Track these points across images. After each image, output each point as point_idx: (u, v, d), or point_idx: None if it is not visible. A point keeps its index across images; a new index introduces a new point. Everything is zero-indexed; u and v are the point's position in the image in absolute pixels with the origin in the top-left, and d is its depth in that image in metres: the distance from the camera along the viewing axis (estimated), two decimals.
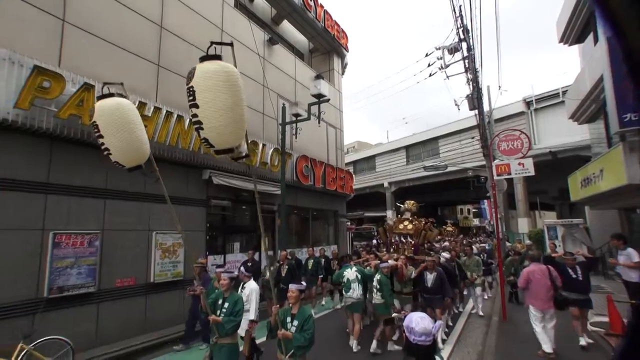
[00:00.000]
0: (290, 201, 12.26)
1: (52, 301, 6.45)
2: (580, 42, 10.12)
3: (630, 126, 6.96)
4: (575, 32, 10.12)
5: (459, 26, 15.88)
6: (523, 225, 20.70)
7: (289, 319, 4.06)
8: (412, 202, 10.31)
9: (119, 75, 7.71)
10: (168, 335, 7.78)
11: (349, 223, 21.43)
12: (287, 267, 8.93)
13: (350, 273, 7.09)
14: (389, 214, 30.48)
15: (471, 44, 16.46)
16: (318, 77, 16.00)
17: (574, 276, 6.56)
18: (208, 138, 3.15)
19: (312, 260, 10.41)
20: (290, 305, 4.16)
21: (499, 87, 21.18)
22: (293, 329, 3.96)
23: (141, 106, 7.71)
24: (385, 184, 32.36)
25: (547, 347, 5.98)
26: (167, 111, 8.33)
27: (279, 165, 11.37)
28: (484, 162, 16.16)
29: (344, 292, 7.10)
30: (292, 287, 4.19)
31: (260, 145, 11.24)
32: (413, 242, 8.82)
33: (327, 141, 16.67)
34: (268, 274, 7.64)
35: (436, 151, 29.03)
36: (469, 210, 46.86)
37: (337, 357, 6.50)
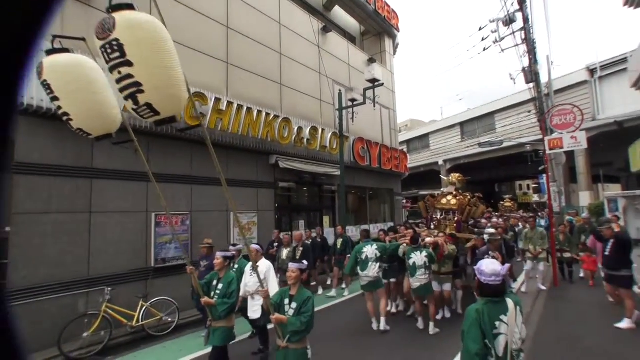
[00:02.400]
0: (349, 181, 13.11)
1: (158, 270, 7.83)
2: None
3: None
4: None
5: None
6: (585, 198, 20.08)
7: (286, 301, 3.69)
8: (457, 175, 9.53)
9: (196, 75, 8.93)
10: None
11: (404, 201, 21.97)
12: (302, 248, 8.42)
13: (370, 250, 6.65)
14: (450, 189, 30.39)
15: (527, 13, 16.17)
16: (371, 60, 16.56)
17: (605, 251, 6.47)
18: (151, 103, 2.67)
19: (342, 239, 9.83)
20: (290, 285, 3.77)
21: (551, 62, 20.27)
22: (291, 312, 3.60)
23: (217, 102, 8.85)
24: (440, 162, 32.20)
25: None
26: (237, 104, 9.40)
27: (337, 148, 12.23)
28: (541, 136, 15.96)
29: (359, 271, 6.66)
30: (292, 266, 3.78)
31: (320, 130, 12.15)
32: (456, 219, 8.19)
33: (382, 122, 17.24)
34: (284, 254, 8.25)
35: (492, 126, 28.40)
36: (528, 185, 45.12)
37: (360, 342, 6.05)
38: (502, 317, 2.62)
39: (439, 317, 6.79)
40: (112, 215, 7.31)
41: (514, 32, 15.05)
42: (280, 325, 3.57)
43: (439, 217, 8.59)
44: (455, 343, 4.78)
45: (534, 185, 39.39)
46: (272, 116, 10.34)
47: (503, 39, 16.59)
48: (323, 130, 12.33)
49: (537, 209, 27.25)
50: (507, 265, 2.93)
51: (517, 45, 16.70)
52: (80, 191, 6.88)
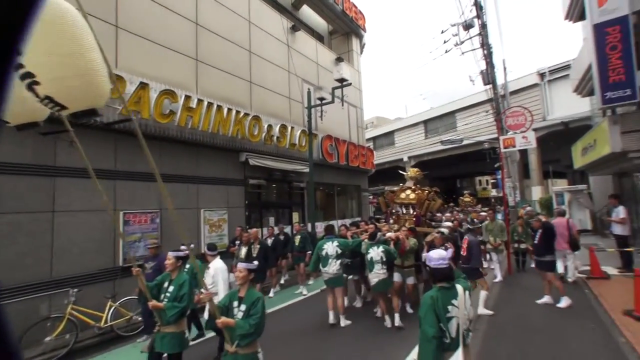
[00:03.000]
0: (317, 178, 13.43)
1: (127, 269, 7.57)
2: (583, 19, 10.79)
3: (610, 103, 7.94)
4: (578, 9, 10.76)
5: (474, 3, 16.54)
6: (536, 193, 21.54)
7: (235, 303, 3.50)
8: (416, 169, 9.61)
9: (165, 72, 9.00)
10: None
11: (371, 197, 22.59)
12: (258, 246, 8.04)
13: (331, 247, 6.67)
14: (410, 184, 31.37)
15: (485, 20, 17.07)
16: (338, 59, 16.97)
17: (535, 240, 7.42)
18: (51, 95, 2.23)
19: (300, 236, 9.81)
20: (239, 286, 3.59)
21: (504, 67, 21.49)
22: (240, 315, 3.42)
23: (187, 99, 8.89)
24: (405, 159, 33.18)
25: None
26: (208, 102, 9.46)
27: (306, 146, 12.54)
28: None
29: (321, 267, 6.70)
30: (240, 265, 3.60)
31: (289, 128, 12.42)
32: (415, 213, 8.27)
33: (349, 120, 17.70)
34: (242, 253, 7.85)
35: (454, 125, 29.60)
36: (487, 181, 47.34)
37: (323, 338, 6.05)
38: (454, 301, 2.87)
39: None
40: (77, 214, 7.16)
41: (471, 37, 15.84)
42: (228, 329, 3.38)
43: (398, 211, 8.62)
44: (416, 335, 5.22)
45: (492, 181, 41.39)
46: (242, 114, 10.49)
47: (463, 42, 17.41)
48: (292, 128, 12.61)
49: (495, 203, 28.70)
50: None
51: (474, 49, 17.62)
52: (42, 190, 6.71)
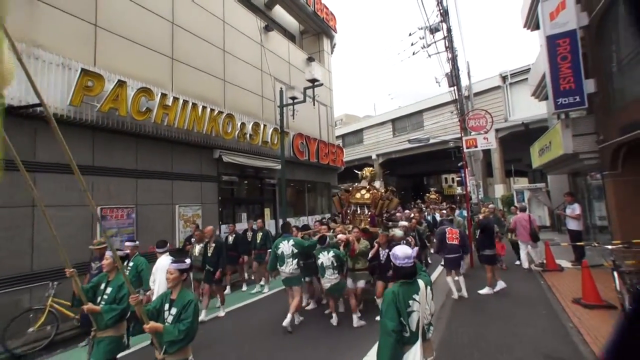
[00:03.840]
0: (288, 175, 13.69)
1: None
2: (539, 29, 11.55)
3: (562, 109, 8.66)
4: (535, 19, 11.45)
5: (439, 9, 17.18)
6: (499, 191, 22.65)
7: (167, 307, 3.32)
8: (370, 168, 9.42)
9: (142, 70, 9.03)
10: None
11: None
12: (214, 245, 7.54)
13: (286, 246, 6.52)
14: (377, 184, 32.12)
15: (449, 25, 17.76)
16: (310, 59, 17.25)
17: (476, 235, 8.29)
18: None
19: (261, 233, 9.56)
20: (170, 289, 3.40)
21: (468, 70, 22.47)
22: (170, 319, 3.24)
23: (163, 97, 8.95)
24: (373, 156, 33.87)
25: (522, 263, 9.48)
26: (183, 100, 9.55)
27: (278, 143, 12.75)
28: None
29: (278, 265, 6.57)
30: (171, 266, 3.41)
31: (262, 126, 12.59)
32: (370, 213, 8.16)
33: (319, 118, 18.02)
34: (197, 251, 7.50)
35: (421, 124, 30.49)
36: (453, 179, 48.90)
37: (276, 341, 5.81)
38: (415, 296, 2.91)
39: (341, 309, 6.81)
40: (56, 209, 7.15)
41: (436, 41, 16.48)
42: (157, 334, 3.19)
43: (352, 211, 8.53)
44: (370, 334, 5.52)
45: (458, 179, 42.67)
46: (216, 112, 10.60)
47: (429, 45, 18.06)
48: (265, 126, 12.79)
49: (460, 200, 29.79)
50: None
51: (438, 52, 18.31)
52: (22, 185, 6.50)
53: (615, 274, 5.25)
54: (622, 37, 7.53)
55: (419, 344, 2.82)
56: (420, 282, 3.02)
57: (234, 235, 9.54)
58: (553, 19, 8.72)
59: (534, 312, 6.36)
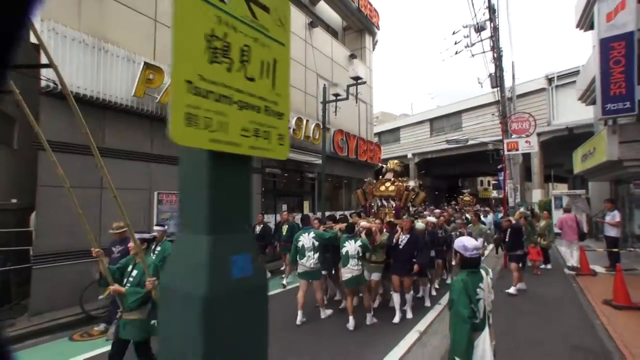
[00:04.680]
0: (327, 170, 14.09)
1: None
2: (593, 29, 11.29)
3: (610, 114, 8.61)
4: (589, 19, 11.25)
5: (487, 6, 17.08)
6: (537, 195, 22.20)
7: (130, 268, 3.80)
8: (396, 161, 9.36)
9: None
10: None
11: None
12: None
13: (307, 239, 6.37)
14: (412, 184, 32.07)
15: (497, 23, 17.59)
16: (352, 56, 17.59)
17: (506, 238, 8.33)
18: None
19: (287, 226, 9.61)
20: (133, 254, 3.79)
21: (513, 71, 22.01)
22: (131, 280, 3.72)
23: None
24: (409, 155, 33.79)
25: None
26: None
27: (319, 139, 13.22)
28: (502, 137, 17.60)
29: (298, 259, 6.39)
30: (135, 236, 3.54)
31: (305, 121, 13.11)
32: (394, 205, 8.06)
33: (359, 115, 18.35)
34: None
35: (459, 125, 30.17)
36: (489, 182, 47.99)
37: (288, 337, 5.58)
38: (480, 284, 3.02)
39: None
40: (119, 192, 7.84)
41: (482, 40, 16.38)
42: (120, 297, 3.63)
43: (379, 204, 8.46)
44: (385, 336, 5.50)
45: (494, 182, 41.99)
46: None
47: (474, 44, 17.96)
48: (307, 121, 13.29)
49: (495, 203, 29.36)
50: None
51: (484, 52, 18.16)
52: (91, 168, 7.24)
53: None
54: None
55: (487, 329, 2.96)
56: (482, 272, 3.12)
57: (261, 226, 9.71)
58: (610, 19, 8.61)
59: (564, 311, 6.58)
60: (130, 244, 4.05)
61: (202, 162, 1.36)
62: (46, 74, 6.41)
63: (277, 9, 1.55)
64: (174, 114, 1.20)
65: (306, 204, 14.52)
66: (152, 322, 3.89)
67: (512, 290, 7.77)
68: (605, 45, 8.64)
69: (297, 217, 11.20)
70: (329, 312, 6.54)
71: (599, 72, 8.68)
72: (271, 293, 8.14)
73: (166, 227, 6.36)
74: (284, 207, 13.25)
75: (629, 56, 8.40)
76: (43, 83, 6.51)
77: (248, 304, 1.42)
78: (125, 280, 3.91)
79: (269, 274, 9.32)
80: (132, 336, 3.79)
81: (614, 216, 9.24)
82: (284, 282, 8.88)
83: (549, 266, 10.13)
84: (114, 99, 7.68)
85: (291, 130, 12.46)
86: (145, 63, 8.03)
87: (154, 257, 5.16)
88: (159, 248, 5.70)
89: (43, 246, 6.73)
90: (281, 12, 1.57)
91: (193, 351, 1.22)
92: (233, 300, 1.33)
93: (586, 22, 12.00)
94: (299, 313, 6.17)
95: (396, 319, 6.19)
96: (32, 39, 7.00)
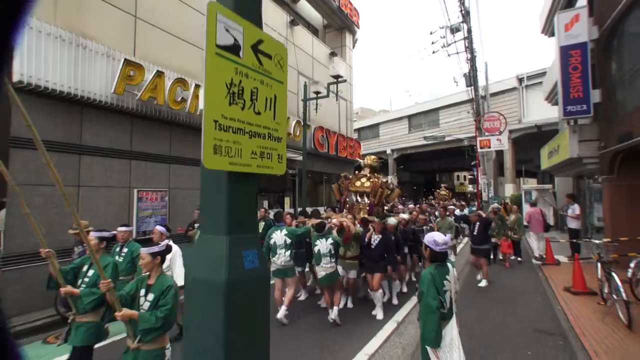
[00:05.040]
0: (308, 166, 14.34)
1: (140, 242, 8.30)
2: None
3: (570, 116, 9.30)
4: (552, 27, 11.85)
5: (461, 9, 17.66)
6: (509, 190, 23.12)
7: (142, 292, 3.13)
8: (374, 157, 9.34)
9: (179, 62, 9.73)
10: None
11: None
12: None
13: (279, 236, 6.26)
14: (391, 179, 32.77)
15: (470, 25, 18.20)
16: (332, 54, 17.87)
17: (475, 231, 8.38)
18: None
19: (263, 223, 9.25)
20: (146, 273, 3.23)
21: (486, 74, 22.83)
22: (147, 305, 3.05)
23: (196, 88, 9.61)
24: (388, 151, 34.41)
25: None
26: None
27: (300, 135, 13.47)
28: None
29: (270, 257, 6.21)
30: (143, 251, 3.21)
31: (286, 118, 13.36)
32: (369, 202, 8.06)
33: (339, 112, 18.64)
34: (197, 237, 7.95)
35: (437, 121, 30.92)
36: (465, 176, 49.24)
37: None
38: (447, 277, 3.21)
39: (340, 305, 6.33)
40: (98, 189, 7.91)
41: (456, 42, 16.95)
42: (130, 322, 3.03)
43: (352, 201, 8.47)
44: (365, 326, 5.75)
45: (470, 177, 43.10)
46: None
47: (450, 44, 18.55)
48: (288, 118, 13.52)
49: (470, 197, 30.27)
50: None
51: (458, 52, 18.76)
52: (69, 166, 7.37)
53: (599, 264, 6.01)
54: (626, 51, 8.09)
55: (454, 318, 3.18)
56: (449, 265, 3.32)
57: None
58: (567, 30, 9.25)
59: (530, 298, 7.14)
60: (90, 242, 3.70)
61: (222, 180, 1.76)
62: (19, 69, 6.33)
63: (277, 54, 1.99)
64: (205, 145, 1.58)
65: (287, 200, 14.80)
66: (105, 325, 3.74)
67: (483, 283, 8.07)
68: (565, 53, 9.29)
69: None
70: (284, 311, 5.91)
71: (560, 77, 9.34)
72: None
73: (132, 228, 5.89)
74: (265, 203, 13.48)
75: (584, 64, 9.09)
76: (16, 78, 6.34)
77: (256, 288, 1.84)
78: (80, 280, 3.69)
79: None
80: (81, 340, 3.52)
81: (574, 209, 9.95)
82: None
83: (519, 258, 10.65)
84: (92, 95, 7.61)
85: None
86: (126, 60, 8.02)
87: (120, 259, 5.02)
88: (125, 249, 5.37)
89: (13, 247, 6.49)
90: (280, 57, 2.02)
91: (216, 327, 1.61)
92: (245, 286, 1.74)
93: (549, 29, 12.66)
94: (282, 308, 5.88)
95: (380, 315, 6.21)
96: None
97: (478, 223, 8.41)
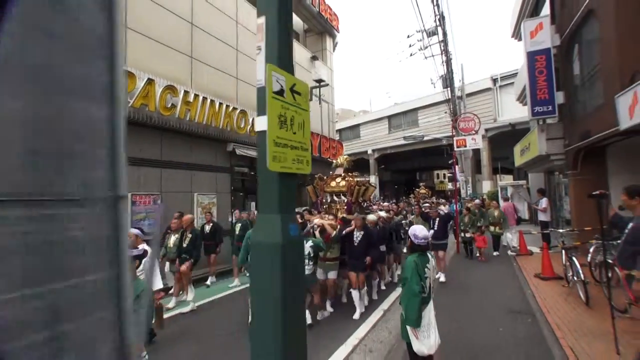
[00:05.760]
0: None
1: None
2: None
3: (538, 116, 10.08)
4: (520, 32, 12.69)
5: (436, 14, 18.36)
6: (486, 186, 24.11)
7: None
8: (346, 156, 9.41)
9: (165, 69, 10.03)
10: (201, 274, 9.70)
11: None
12: (190, 235, 7.18)
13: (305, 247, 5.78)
14: (372, 179, 33.40)
15: (446, 29, 18.93)
16: (314, 57, 18.36)
17: (435, 226, 8.59)
18: None
19: (240, 224, 9.23)
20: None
21: (462, 75, 23.77)
22: None
23: (185, 94, 9.95)
24: (369, 151, 35.09)
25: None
26: (202, 97, 10.60)
27: None
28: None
29: (249, 259, 5.47)
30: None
31: None
32: (346, 201, 8.08)
33: (322, 114, 19.13)
34: (172, 241, 7.13)
35: (416, 122, 31.77)
36: (444, 175, 50.42)
37: (240, 339, 5.20)
38: (427, 265, 3.51)
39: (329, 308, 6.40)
40: None
41: (431, 45, 17.65)
42: None
43: (328, 201, 8.46)
44: (353, 314, 6.06)
45: (449, 175, 44.20)
46: (231, 108, 11.71)
47: (427, 47, 19.25)
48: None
49: (450, 195, 31.14)
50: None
51: (433, 55, 19.47)
52: None
53: (563, 251, 6.69)
54: (584, 57, 8.85)
55: (431, 303, 3.50)
56: (429, 255, 3.63)
57: (210, 224, 9.32)
58: (533, 37, 9.99)
59: (504, 285, 7.80)
60: None
61: (275, 178, 2.54)
62: None
63: (303, 92, 2.88)
64: (269, 155, 2.34)
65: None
66: None
67: (442, 278, 8.08)
68: (531, 58, 10.05)
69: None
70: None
71: (527, 80, 10.13)
72: (215, 297, 7.91)
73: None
74: (252, 205, 13.84)
75: (549, 68, 9.86)
76: None
77: (297, 249, 2.70)
78: None
79: (214, 279, 9.25)
80: None
81: (541, 203, 10.73)
82: (235, 282, 8.82)
83: (496, 253, 11.05)
84: None
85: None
86: None
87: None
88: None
89: None
90: (305, 92, 2.90)
91: (275, 275, 2.41)
92: (292, 247, 2.56)
93: (518, 34, 13.45)
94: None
95: (357, 315, 6.15)
96: None
97: (438, 219, 8.79)
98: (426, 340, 3.33)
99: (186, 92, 10.06)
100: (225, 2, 12.75)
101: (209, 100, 10.80)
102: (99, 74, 0.72)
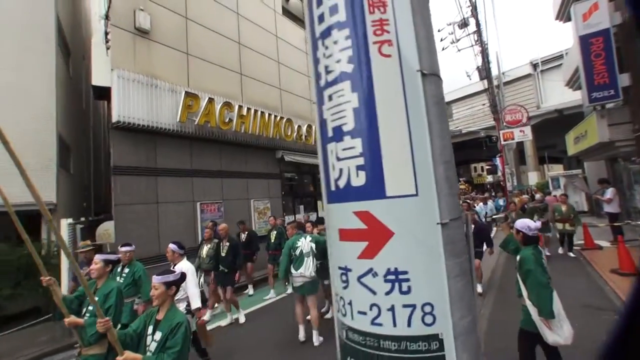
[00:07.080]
0: None
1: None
2: (571, 20, 11.84)
3: (597, 102, 9.55)
4: (567, 13, 11.87)
5: (469, 4, 18.06)
6: (533, 178, 23.16)
7: (150, 329, 2.70)
8: None
9: (220, 86, 10.56)
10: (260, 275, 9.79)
11: None
12: (228, 244, 6.78)
13: (305, 243, 5.53)
14: None
15: (479, 19, 18.58)
16: None
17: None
18: None
19: (276, 232, 8.89)
20: (156, 305, 2.78)
21: (498, 61, 23.08)
22: (153, 346, 2.61)
23: (239, 108, 10.55)
24: None
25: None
26: (254, 110, 11.12)
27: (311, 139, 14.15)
28: (494, 124, 18.36)
29: (292, 270, 5.43)
30: (155, 280, 2.76)
31: (314, 127, 13.99)
32: None
33: None
34: (204, 252, 6.92)
35: (450, 115, 31.23)
36: (482, 167, 49.15)
37: (286, 356, 5.09)
38: (542, 256, 3.48)
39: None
40: (170, 205, 9.03)
41: (467, 35, 17.31)
42: (76, 328, 2.87)
43: None
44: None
45: (488, 167, 43.07)
46: (278, 117, 12.15)
47: (459, 40, 18.94)
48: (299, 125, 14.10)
49: (491, 189, 30.39)
50: (540, 222, 3.98)
51: (472, 45, 19.09)
52: (150, 186, 8.63)
53: None
54: None
55: (555, 293, 3.39)
56: (538, 247, 3.59)
57: (246, 233, 9.00)
58: (586, 19, 9.55)
59: (574, 280, 7.27)
60: (92, 266, 3.53)
61: None
62: (116, 112, 7.71)
63: None
64: None
65: (320, 204, 15.44)
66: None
67: (479, 288, 7.16)
68: (585, 42, 9.55)
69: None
70: (321, 338, 5.40)
71: (582, 65, 9.60)
72: (253, 308, 7.63)
73: (133, 247, 5.34)
74: (302, 207, 14.16)
75: (608, 49, 9.28)
76: (114, 119, 7.86)
77: None
78: (84, 309, 3.32)
79: (251, 290, 8.98)
80: None
81: (607, 193, 9.87)
82: (273, 294, 8.39)
83: (569, 253, 9.71)
84: (163, 125, 8.78)
85: (303, 136, 13.39)
86: (186, 92, 9.14)
87: (121, 280, 4.68)
88: (127, 270, 5.03)
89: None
90: None
91: None
92: None
93: (564, 15, 12.79)
94: (301, 328, 5.48)
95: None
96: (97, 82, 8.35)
97: (472, 226, 8.11)
98: (560, 330, 3.25)
99: (240, 107, 10.60)
100: (266, 19, 13.29)
101: (259, 112, 11.26)
102: None
